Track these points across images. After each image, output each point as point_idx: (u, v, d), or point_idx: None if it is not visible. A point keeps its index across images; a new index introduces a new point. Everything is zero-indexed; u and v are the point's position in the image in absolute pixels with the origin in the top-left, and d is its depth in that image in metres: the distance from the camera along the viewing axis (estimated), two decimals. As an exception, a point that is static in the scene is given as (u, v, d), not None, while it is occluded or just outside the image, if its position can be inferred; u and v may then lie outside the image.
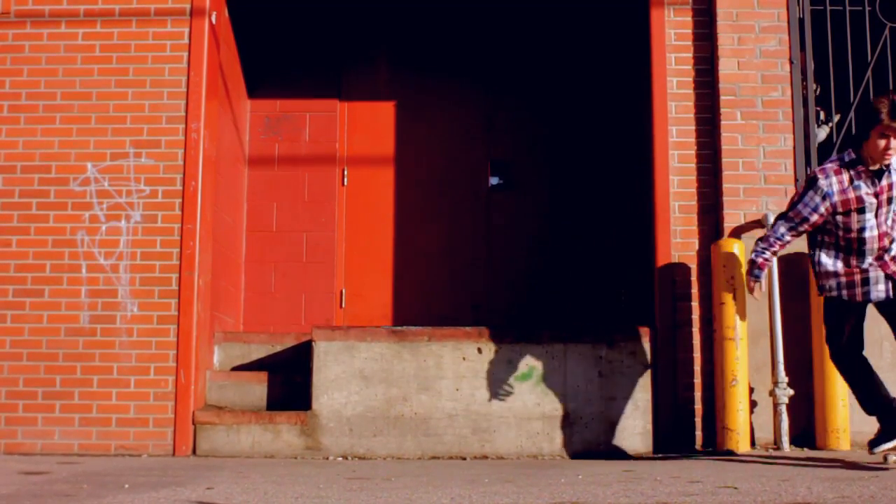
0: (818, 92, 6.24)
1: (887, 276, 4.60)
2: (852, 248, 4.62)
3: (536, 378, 5.95)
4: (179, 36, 6.22)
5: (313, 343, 5.99)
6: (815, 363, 5.65)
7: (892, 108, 4.38)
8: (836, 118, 6.19)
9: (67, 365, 5.94)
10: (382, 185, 7.44)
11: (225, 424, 5.94)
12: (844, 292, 4.65)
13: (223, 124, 6.69)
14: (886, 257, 4.59)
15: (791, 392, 5.63)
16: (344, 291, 7.33)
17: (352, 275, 7.36)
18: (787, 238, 4.78)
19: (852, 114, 6.03)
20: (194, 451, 5.92)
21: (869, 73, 6.07)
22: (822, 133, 6.25)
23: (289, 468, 5.14)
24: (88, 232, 6.08)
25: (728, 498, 3.60)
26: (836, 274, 4.66)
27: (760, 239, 4.88)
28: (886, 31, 6.11)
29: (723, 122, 6.03)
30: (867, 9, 6.13)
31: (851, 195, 4.56)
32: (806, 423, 5.72)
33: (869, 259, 4.59)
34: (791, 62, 6.06)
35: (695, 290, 5.98)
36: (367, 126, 7.50)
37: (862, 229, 4.58)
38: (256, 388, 6.20)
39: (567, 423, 5.93)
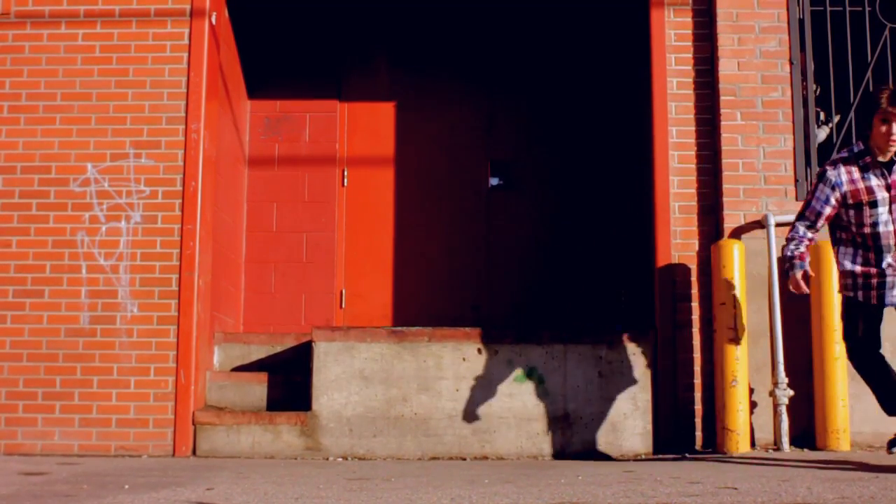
0: (818, 92, 6.24)
1: None
2: (868, 244, 4.62)
3: (536, 379, 5.95)
4: (179, 37, 6.22)
5: (313, 343, 5.99)
6: (815, 364, 5.65)
7: (892, 96, 4.50)
8: (836, 118, 6.19)
9: (67, 365, 5.94)
10: (382, 185, 7.44)
11: (225, 425, 5.94)
12: (860, 293, 4.65)
13: (223, 125, 6.69)
14: None
15: (791, 392, 5.63)
16: (344, 292, 7.33)
17: (352, 275, 7.36)
18: (809, 234, 4.75)
19: (852, 114, 6.03)
20: (194, 452, 5.92)
21: (869, 73, 6.07)
22: (822, 133, 6.25)
23: (289, 469, 5.14)
24: (88, 232, 6.08)
25: (728, 498, 3.60)
26: (853, 273, 4.66)
27: (786, 241, 4.84)
28: (886, 32, 6.11)
29: (723, 123, 6.03)
30: (867, 9, 6.13)
31: (861, 185, 4.59)
32: (806, 424, 5.72)
33: (888, 258, 4.59)
34: (791, 63, 6.06)
35: (695, 291, 5.98)
36: (367, 126, 7.51)
37: (875, 224, 4.59)
38: (256, 389, 6.20)
39: (567, 423, 5.93)
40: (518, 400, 5.93)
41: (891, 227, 4.59)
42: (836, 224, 4.75)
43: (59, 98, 6.19)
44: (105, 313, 6.00)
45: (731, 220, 5.95)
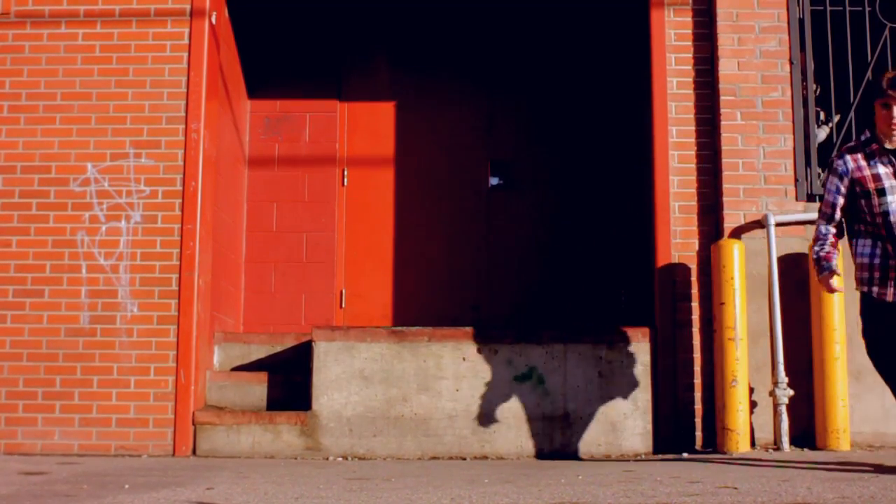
0: (818, 92, 6.24)
1: None
2: (881, 234, 4.57)
3: (536, 378, 5.95)
4: (179, 36, 6.22)
5: (313, 343, 5.99)
6: (815, 363, 5.65)
7: (893, 80, 4.49)
8: (836, 118, 6.19)
9: (67, 365, 5.94)
10: (382, 185, 7.44)
11: (225, 425, 5.94)
12: (875, 289, 4.59)
13: (223, 124, 6.69)
14: None
15: (791, 392, 5.63)
16: (344, 291, 7.33)
17: (352, 275, 7.36)
18: (832, 230, 4.71)
19: (852, 114, 6.03)
20: (194, 452, 5.92)
21: (869, 73, 6.06)
22: (822, 133, 6.25)
23: (289, 468, 5.14)
24: (88, 232, 6.08)
25: (728, 498, 3.60)
26: (869, 266, 4.60)
27: (812, 241, 4.80)
28: (886, 31, 6.11)
29: (723, 123, 6.03)
30: (867, 9, 6.14)
31: (867, 172, 4.56)
32: (806, 424, 5.72)
33: None
34: (791, 62, 6.06)
35: (695, 291, 5.98)
36: (367, 126, 7.51)
37: (886, 213, 4.53)
38: (256, 389, 6.20)
39: (567, 423, 5.93)
40: (518, 400, 5.93)
41: None
42: (853, 216, 4.70)
43: (58, 98, 6.19)
44: (105, 313, 6.00)
45: (731, 220, 5.96)
